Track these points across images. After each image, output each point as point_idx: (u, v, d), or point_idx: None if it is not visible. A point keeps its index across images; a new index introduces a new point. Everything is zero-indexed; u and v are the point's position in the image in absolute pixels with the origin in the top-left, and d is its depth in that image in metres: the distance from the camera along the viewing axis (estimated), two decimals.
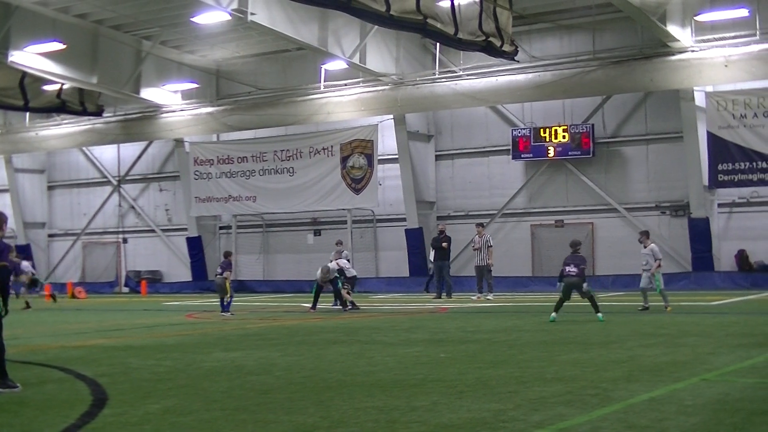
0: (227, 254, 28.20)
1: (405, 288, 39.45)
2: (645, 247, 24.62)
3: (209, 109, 42.58)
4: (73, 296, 42.78)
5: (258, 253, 45.52)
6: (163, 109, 43.41)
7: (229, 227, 46.38)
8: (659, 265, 24.37)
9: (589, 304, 21.25)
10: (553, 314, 20.93)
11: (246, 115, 41.46)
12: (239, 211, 44.82)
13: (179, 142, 45.93)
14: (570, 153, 37.53)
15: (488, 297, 31.35)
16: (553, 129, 37.67)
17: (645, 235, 25.37)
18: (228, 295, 26.15)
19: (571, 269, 21.21)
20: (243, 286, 43.46)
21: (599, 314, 20.60)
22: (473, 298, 31.98)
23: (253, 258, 45.41)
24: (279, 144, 43.41)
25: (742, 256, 35.45)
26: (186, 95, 43.63)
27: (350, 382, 11.49)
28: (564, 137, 37.45)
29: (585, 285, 21.40)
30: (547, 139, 37.74)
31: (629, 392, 10.04)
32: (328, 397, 10.32)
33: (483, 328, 19.77)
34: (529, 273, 38.81)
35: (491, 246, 32.42)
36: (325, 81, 39.46)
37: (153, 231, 48.83)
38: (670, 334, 16.98)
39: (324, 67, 38.80)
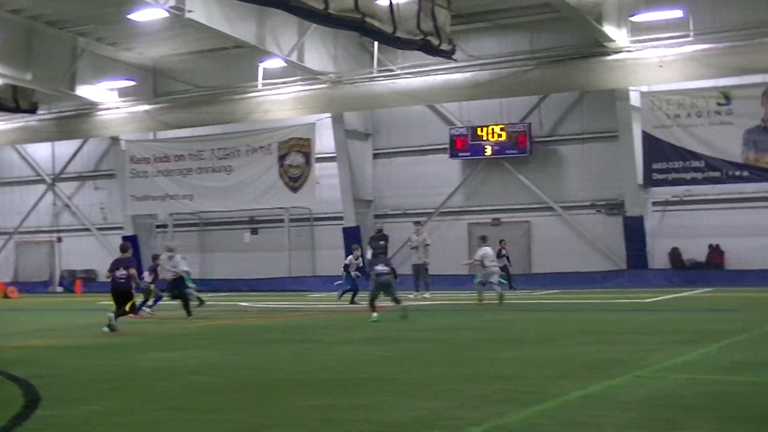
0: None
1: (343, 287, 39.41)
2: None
3: (146, 107, 42.28)
4: (6, 296, 42.26)
5: (194, 251, 45.26)
6: (99, 106, 43.03)
7: (165, 226, 46.13)
8: (473, 263, 28.16)
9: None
10: (374, 315, 21.23)
11: (183, 113, 41.23)
12: (176, 210, 44.61)
13: (115, 140, 45.62)
14: (507, 152, 37.83)
15: (425, 295, 31.44)
16: (490, 128, 37.95)
17: (482, 239, 28.17)
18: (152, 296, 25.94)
19: (383, 268, 21.85)
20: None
21: (401, 307, 21.55)
22: (410, 296, 32.07)
23: (190, 257, 45.05)
24: (216, 142, 43.28)
25: (675, 254, 35.96)
26: (122, 93, 43.31)
27: (291, 381, 11.49)
28: (501, 136, 37.76)
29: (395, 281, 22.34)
30: (485, 138, 38.01)
31: (565, 389, 10.14)
32: (269, 396, 10.31)
33: (421, 326, 19.84)
34: (466, 271, 38.98)
35: (428, 244, 32.49)
36: (262, 79, 39.37)
37: (88, 230, 48.42)
38: (605, 331, 17.18)
39: (262, 65, 38.73)
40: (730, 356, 12.90)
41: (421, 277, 32.27)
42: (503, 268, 34.21)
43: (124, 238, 45.81)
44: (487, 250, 27.05)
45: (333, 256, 41.23)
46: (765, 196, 35.17)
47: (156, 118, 41.92)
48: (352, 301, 28.96)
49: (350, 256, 30.57)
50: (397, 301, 21.65)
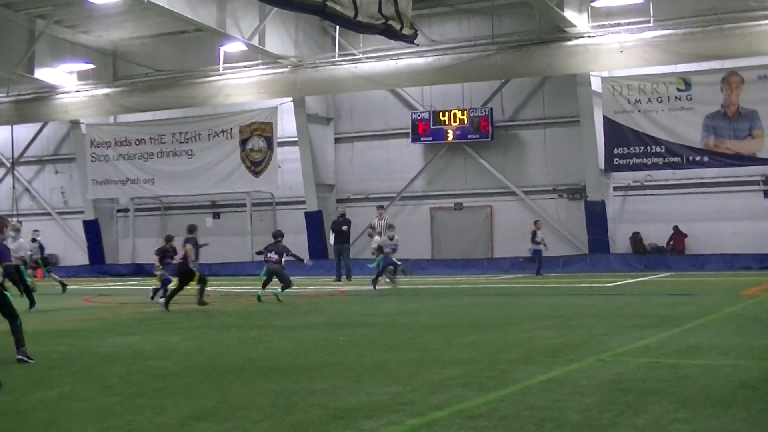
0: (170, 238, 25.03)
1: (304, 271, 39.22)
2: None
3: (106, 91, 41.87)
4: None
5: (156, 236, 44.97)
6: (58, 90, 42.52)
7: (126, 210, 45.86)
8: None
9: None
10: (260, 291, 23.21)
11: (143, 96, 40.87)
12: (137, 194, 44.33)
13: (75, 124, 45.20)
14: (469, 136, 37.86)
15: (386, 280, 31.39)
16: (452, 112, 37.96)
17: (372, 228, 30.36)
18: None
19: (272, 255, 23.30)
20: (141, 270, 42.92)
21: (279, 290, 22.96)
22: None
23: (151, 241, 44.75)
24: (177, 126, 43.01)
25: (636, 239, 36.15)
26: (81, 76, 42.85)
27: (249, 366, 11.43)
28: (463, 121, 37.77)
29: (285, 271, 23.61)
30: (446, 123, 38.02)
31: (527, 374, 10.15)
32: (226, 381, 10.25)
33: (382, 311, 19.83)
34: (428, 256, 39.08)
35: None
36: (223, 63, 39.09)
37: (48, 214, 47.92)
38: (566, 315, 17.23)
39: (222, 48, 38.42)
40: (689, 340, 12.96)
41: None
42: (536, 252, 33.66)
43: (85, 222, 45.55)
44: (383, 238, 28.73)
45: (295, 241, 41.04)
46: (724, 181, 35.39)
47: (116, 101, 41.52)
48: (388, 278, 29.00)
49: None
50: (286, 285, 23.19)
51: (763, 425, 7.21)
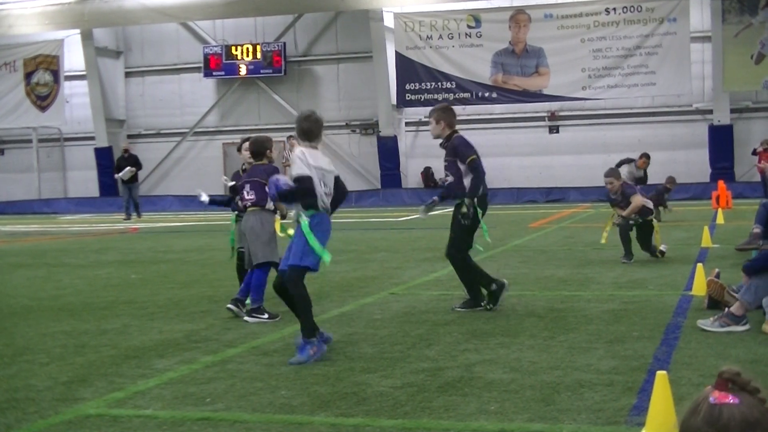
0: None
1: (95, 208, 38.52)
2: None
3: None
4: None
5: None
6: None
7: None
8: None
9: None
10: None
11: None
12: None
13: None
14: (262, 71, 37.66)
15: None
16: (245, 47, 37.65)
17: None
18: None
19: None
20: None
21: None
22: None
23: None
24: None
25: (427, 174, 36.79)
26: None
27: (37, 307, 11.10)
28: (256, 55, 37.51)
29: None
30: (239, 57, 37.71)
31: (321, 309, 10.21)
32: (12, 323, 9.93)
33: (174, 248, 19.60)
34: (221, 191, 38.76)
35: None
36: None
37: None
38: (360, 250, 17.38)
39: None
40: None
41: None
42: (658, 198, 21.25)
43: None
44: None
45: (85, 177, 40.19)
46: (512, 117, 36.33)
47: None
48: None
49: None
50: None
51: (548, 351, 7.47)
